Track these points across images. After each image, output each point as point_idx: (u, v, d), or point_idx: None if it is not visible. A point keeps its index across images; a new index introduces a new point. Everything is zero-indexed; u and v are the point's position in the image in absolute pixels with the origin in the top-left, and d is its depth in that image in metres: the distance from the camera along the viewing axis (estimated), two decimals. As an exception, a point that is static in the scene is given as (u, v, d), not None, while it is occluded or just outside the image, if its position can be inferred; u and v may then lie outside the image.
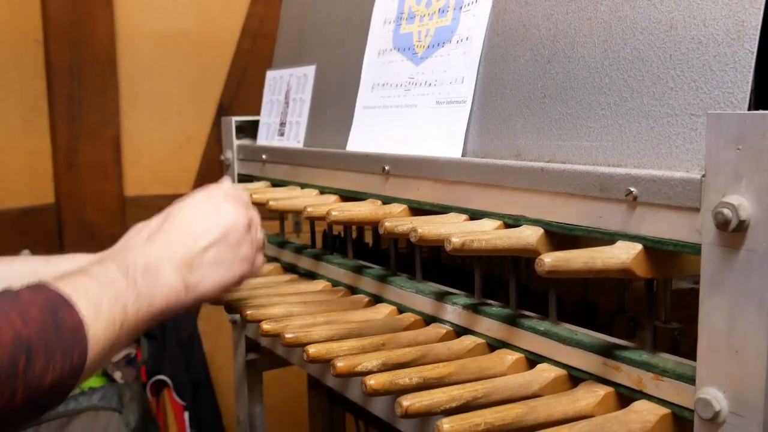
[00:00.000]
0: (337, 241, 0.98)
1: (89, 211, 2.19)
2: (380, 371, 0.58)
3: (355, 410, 1.18)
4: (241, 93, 2.22)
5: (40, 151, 2.13)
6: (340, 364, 0.58)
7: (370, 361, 0.59)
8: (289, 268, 1.01)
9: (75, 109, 2.16)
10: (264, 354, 1.17)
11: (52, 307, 0.53)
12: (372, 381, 0.54)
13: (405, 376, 0.55)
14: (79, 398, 1.56)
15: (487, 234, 0.57)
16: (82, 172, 2.19)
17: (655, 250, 0.52)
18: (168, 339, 1.92)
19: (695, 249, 0.48)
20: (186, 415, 1.90)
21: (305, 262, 0.96)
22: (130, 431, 1.55)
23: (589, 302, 0.74)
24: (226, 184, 0.79)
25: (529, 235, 0.59)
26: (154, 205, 2.45)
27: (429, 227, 0.60)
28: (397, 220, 0.64)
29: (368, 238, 1.04)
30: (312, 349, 0.62)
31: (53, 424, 1.50)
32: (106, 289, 0.58)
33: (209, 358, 2.03)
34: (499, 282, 0.73)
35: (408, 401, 0.50)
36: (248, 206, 0.76)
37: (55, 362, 0.51)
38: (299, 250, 0.99)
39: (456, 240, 0.55)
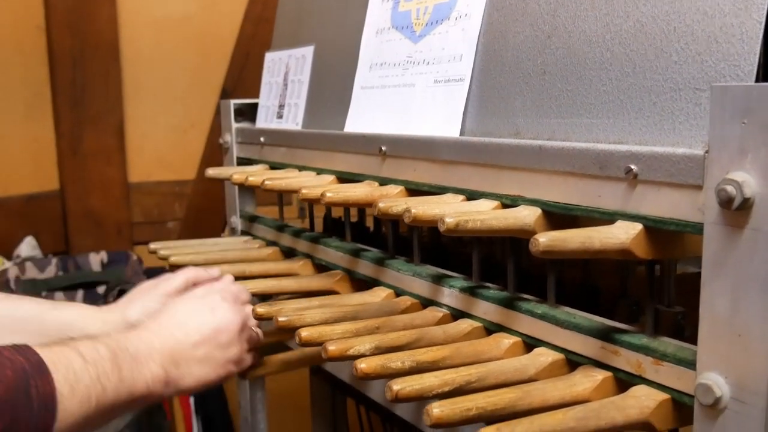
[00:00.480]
0: (338, 225, 0.97)
1: (94, 197, 2.18)
2: (373, 355, 0.56)
3: (357, 395, 1.17)
4: (244, 78, 2.20)
5: (44, 137, 2.12)
6: (332, 348, 0.57)
7: (363, 345, 0.57)
8: (288, 252, 0.99)
9: (78, 95, 2.15)
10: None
11: (29, 372, 0.53)
12: (363, 365, 0.53)
13: (397, 360, 0.54)
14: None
15: (482, 214, 0.55)
16: (86, 158, 2.18)
17: (656, 229, 0.50)
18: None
19: (697, 228, 0.46)
20: (191, 400, 1.90)
21: (303, 246, 0.95)
22: (134, 416, 1.55)
23: (591, 286, 0.72)
24: (226, 281, 0.81)
25: (526, 216, 0.57)
26: (159, 191, 2.44)
27: (423, 207, 0.58)
28: (391, 200, 0.62)
29: (369, 223, 1.02)
30: (304, 333, 0.61)
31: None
32: (90, 367, 0.58)
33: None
34: (500, 265, 0.71)
35: (399, 385, 0.48)
36: (246, 304, 0.77)
37: (17, 427, 0.51)
38: (298, 233, 0.97)
39: (450, 220, 0.53)
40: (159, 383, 0.65)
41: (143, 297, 0.80)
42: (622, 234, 0.49)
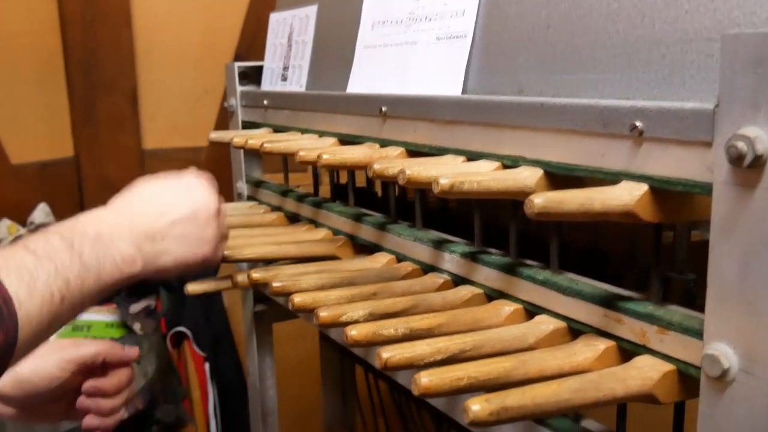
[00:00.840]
0: (345, 191, 0.94)
1: (108, 164, 2.18)
2: (366, 321, 0.54)
3: (365, 363, 1.16)
4: (256, 43, 2.17)
5: (58, 104, 2.12)
6: (324, 314, 0.55)
7: (356, 311, 0.55)
8: (292, 217, 0.97)
9: (90, 61, 2.13)
10: (272, 305, 1.15)
11: None
12: (354, 332, 0.51)
13: (390, 327, 0.51)
14: (96, 349, 1.57)
15: (479, 175, 0.52)
16: (100, 125, 2.17)
17: (662, 190, 0.47)
18: (187, 291, 1.92)
19: (706, 189, 0.43)
20: (206, 366, 1.91)
21: (307, 211, 0.93)
22: (147, 381, 1.56)
23: (599, 252, 0.69)
24: (198, 173, 0.76)
25: (526, 177, 0.54)
26: (173, 157, 2.44)
27: (418, 169, 0.55)
28: (387, 162, 0.60)
29: (378, 188, 1.00)
30: (297, 299, 0.59)
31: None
32: (45, 263, 0.54)
33: (230, 312, 2.03)
34: (505, 230, 0.68)
35: (388, 353, 0.46)
36: (219, 196, 0.73)
37: None
38: (302, 198, 0.95)
39: (444, 182, 0.50)
40: (132, 263, 0.61)
41: (42, 356, 0.74)
42: (626, 195, 0.46)
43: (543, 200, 0.43)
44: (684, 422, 0.50)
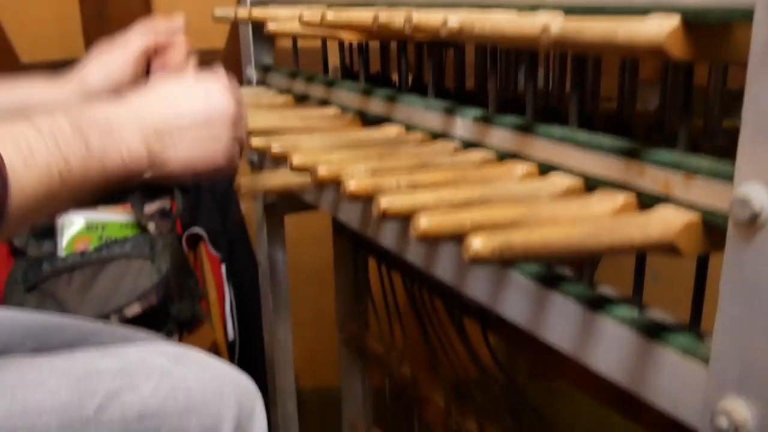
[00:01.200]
0: (356, 77, 0.90)
1: (121, 65, 2.13)
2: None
3: (378, 254, 1.14)
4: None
5: (68, 3, 2.06)
6: (323, 171, 0.52)
7: (358, 168, 0.52)
8: (302, 100, 0.93)
9: (100, -44, 2.06)
10: (283, 197, 1.13)
11: None
12: (352, 185, 0.47)
13: (392, 181, 0.48)
14: (111, 246, 1.57)
15: (492, 19, 0.48)
16: (112, 25, 2.10)
17: (697, 24, 0.42)
18: (203, 192, 1.90)
19: (747, 14, 0.38)
20: (223, 267, 1.91)
21: (316, 90, 0.88)
22: (161, 278, 1.56)
23: (624, 117, 0.65)
24: (221, 74, 0.71)
25: (545, 21, 0.49)
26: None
27: (427, 15, 0.50)
28: (394, 13, 0.55)
29: (393, 70, 0.95)
30: (296, 158, 0.56)
31: (86, 271, 1.52)
32: (47, 139, 0.52)
33: (247, 213, 2.01)
34: (522, 101, 0.64)
35: (387, 201, 0.43)
36: (240, 102, 0.69)
37: None
38: (311, 78, 0.91)
39: (454, 24, 0.46)
40: (139, 157, 0.59)
41: (100, 55, 0.74)
42: (655, 27, 0.41)
43: (560, 27, 0.39)
44: (706, 280, 0.46)
